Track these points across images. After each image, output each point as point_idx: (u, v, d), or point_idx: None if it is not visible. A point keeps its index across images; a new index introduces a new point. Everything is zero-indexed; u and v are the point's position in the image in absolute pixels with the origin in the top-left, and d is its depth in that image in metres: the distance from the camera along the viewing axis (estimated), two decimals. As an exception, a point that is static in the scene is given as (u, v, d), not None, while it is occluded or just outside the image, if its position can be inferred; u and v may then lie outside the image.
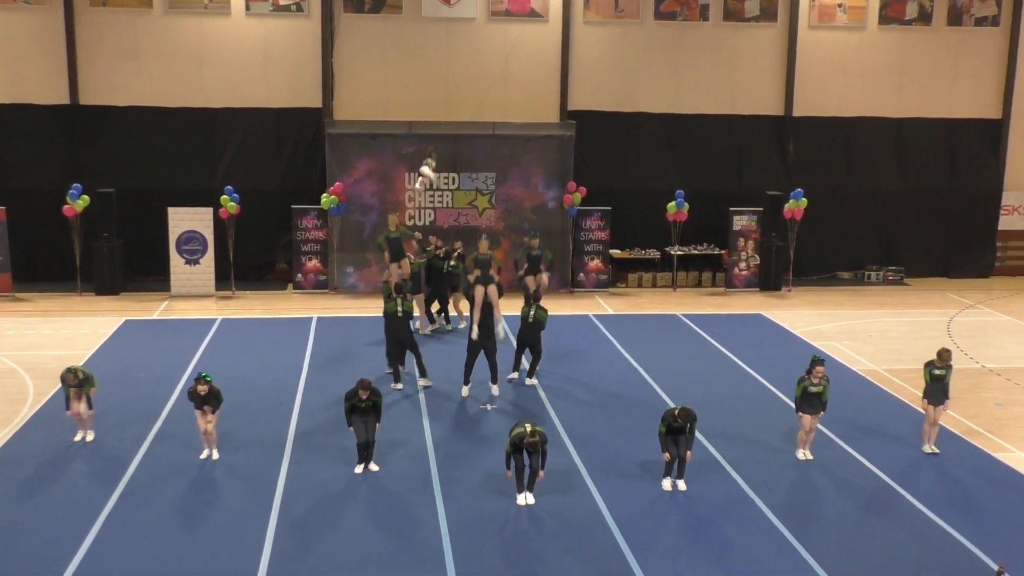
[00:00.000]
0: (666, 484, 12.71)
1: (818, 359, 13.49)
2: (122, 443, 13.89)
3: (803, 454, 13.80)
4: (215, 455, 13.47)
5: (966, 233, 27.32)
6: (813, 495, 12.63)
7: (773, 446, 14.16)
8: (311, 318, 21.18)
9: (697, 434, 14.50)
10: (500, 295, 16.26)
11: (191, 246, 23.51)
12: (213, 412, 13.37)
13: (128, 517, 11.67)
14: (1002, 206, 27.39)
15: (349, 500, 12.26)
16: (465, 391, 16.08)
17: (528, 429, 11.89)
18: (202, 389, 13.21)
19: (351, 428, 13.14)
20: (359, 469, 13.16)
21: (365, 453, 13.23)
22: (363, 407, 12.98)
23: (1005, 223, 27.52)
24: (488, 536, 11.40)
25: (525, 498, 12.22)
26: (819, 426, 14.90)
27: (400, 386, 16.27)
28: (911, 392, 16.71)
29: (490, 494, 12.39)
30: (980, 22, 26.56)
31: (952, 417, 15.47)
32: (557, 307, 22.24)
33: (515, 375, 16.97)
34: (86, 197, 22.95)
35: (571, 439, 14.37)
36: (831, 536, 11.49)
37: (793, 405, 13.83)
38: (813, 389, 13.45)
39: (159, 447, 13.80)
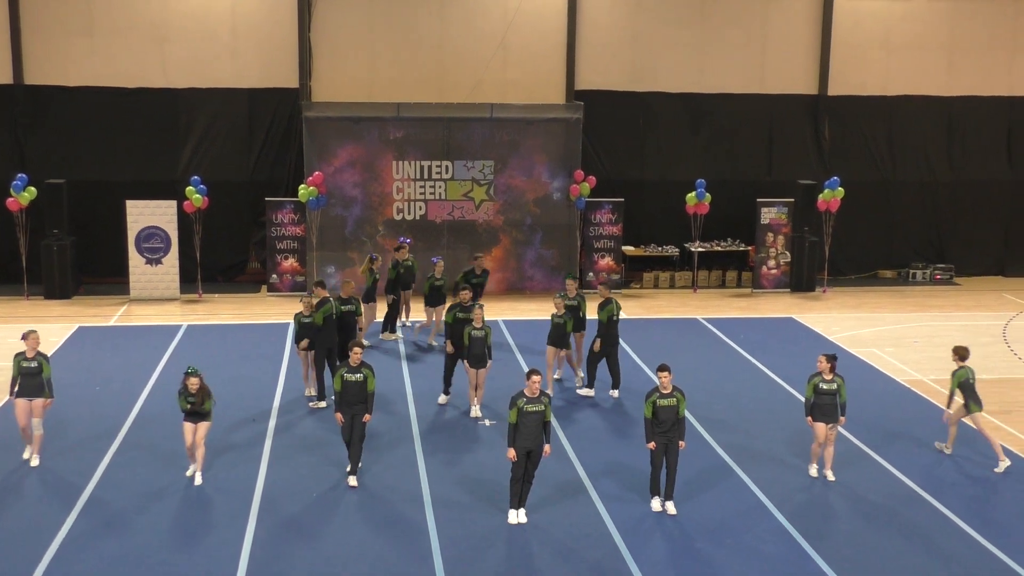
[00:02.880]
0: (655, 504, 12.95)
1: (828, 354, 13.72)
2: (77, 465, 14.03)
3: (815, 470, 14.02)
4: (198, 478, 13.57)
5: (1024, 227, 27.61)
6: (845, 520, 12.83)
7: (803, 466, 14.35)
8: (288, 324, 21.34)
9: (719, 451, 14.80)
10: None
11: (152, 244, 23.69)
12: (205, 419, 13.43)
13: (85, 549, 11.80)
14: (1065, 196, 27.64)
15: (331, 522, 12.48)
16: (443, 399, 16.75)
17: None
18: (193, 384, 13.25)
19: (337, 415, 13.48)
20: (352, 481, 13.48)
21: (352, 455, 13.56)
22: (353, 383, 13.27)
23: (1068, 215, 27.76)
24: (484, 557, 11.65)
25: (518, 516, 12.55)
26: (859, 443, 15.11)
27: (324, 404, 16.50)
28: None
29: (485, 513, 12.65)
30: (1039, -11, 26.81)
31: (1008, 432, 15.68)
32: (564, 311, 22.45)
33: (590, 392, 17.22)
34: (32, 189, 23.15)
35: (578, 455, 14.62)
36: (861, 565, 11.73)
37: (804, 406, 13.96)
38: (826, 386, 13.58)
39: (119, 469, 13.96)
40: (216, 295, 24.24)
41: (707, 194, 24.54)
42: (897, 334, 21.63)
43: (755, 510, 13.01)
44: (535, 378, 12.46)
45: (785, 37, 26.34)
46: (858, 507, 13.14)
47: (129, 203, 23.59)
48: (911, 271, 27.06)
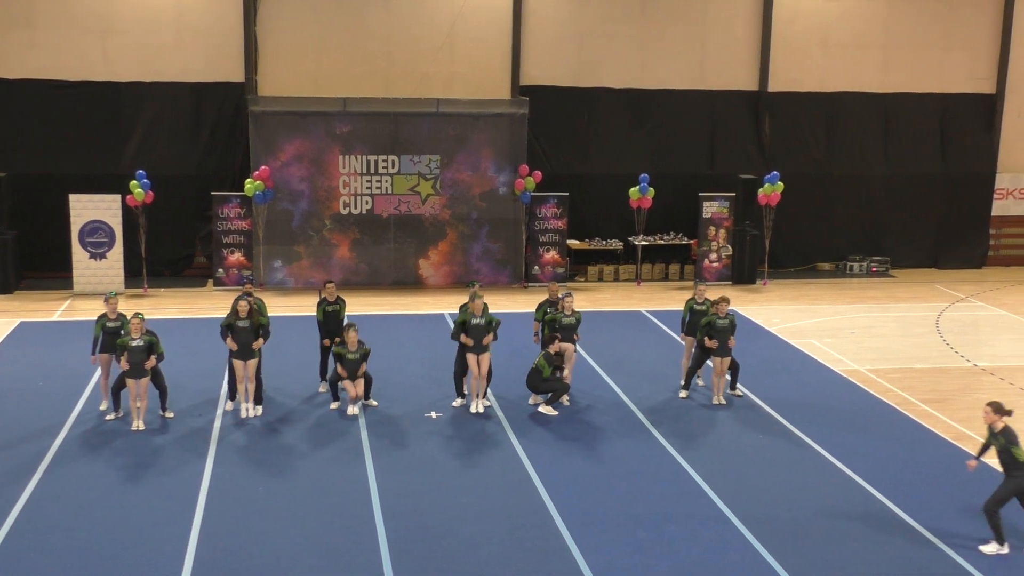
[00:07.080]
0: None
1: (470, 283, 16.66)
2: (17, 463, 13.77)
3: (476, 404, 16.10)
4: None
5: (957, 220, 28.08)
6: (788, 505, 12.92)
7: (744, 453, 14.53)
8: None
9: (661, 439, 14.91)
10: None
11: (96, 238, 23.38)
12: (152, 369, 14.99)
13: (27, 546, 11.60)
14: (995, 190, 28.22)
15: (278, 516, 12.39)
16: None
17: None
18: (136, 324, 14.85)
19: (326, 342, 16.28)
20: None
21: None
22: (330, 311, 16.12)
23: (999, 208, 28.39)
24: (430, 546, 11.66)
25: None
26: (799, 432, 15.28)
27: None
28: (896, 394, 17.25)
29: (433, 502, 12.67)
30: (971, -11, 27.25)
31: (941, 420, 16.02)
32: (509, 304, 22.49)
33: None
34: (-26, 183, 22.80)
35: (526, 451, 14.57)
36: (799, 552, 11.92)
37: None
38: (476, 321, 15.80)
39: (61, 467, 13.72)
40: (162, 289, 23.97)
41: (650, 188, 24.69)
42: (835, 325, 21.92)
43: (695, 495, 13.07)
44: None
45: (726, 34, 26.57)
46: (797, 496, 13.20)
47: (72, 197, 23.23)
48: (848, 263, 27.43)
